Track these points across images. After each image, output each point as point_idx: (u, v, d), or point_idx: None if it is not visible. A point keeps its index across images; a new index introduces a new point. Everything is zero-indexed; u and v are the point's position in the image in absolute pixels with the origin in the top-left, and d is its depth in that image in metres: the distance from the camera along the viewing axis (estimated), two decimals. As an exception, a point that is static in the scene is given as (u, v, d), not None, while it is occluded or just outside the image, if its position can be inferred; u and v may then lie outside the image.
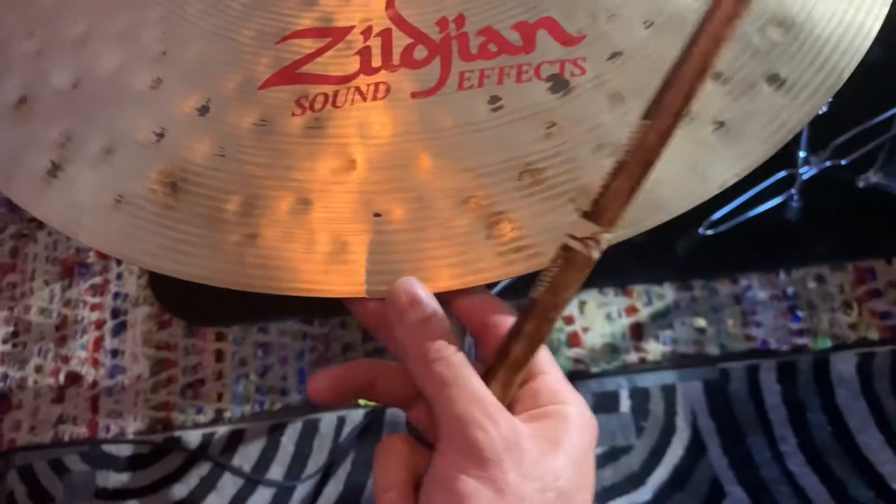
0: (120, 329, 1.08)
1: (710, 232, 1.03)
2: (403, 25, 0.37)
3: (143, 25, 0.39)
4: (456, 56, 0.36)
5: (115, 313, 1.09)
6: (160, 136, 0.36)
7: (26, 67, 0.38)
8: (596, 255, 0.29)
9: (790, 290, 1.03)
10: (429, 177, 0.34)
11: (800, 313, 1.01)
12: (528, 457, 0.29)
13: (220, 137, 0.35)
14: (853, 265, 1.04)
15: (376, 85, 0.36)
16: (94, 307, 1.09)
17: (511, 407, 0.31)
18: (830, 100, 0.99)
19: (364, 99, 0.36)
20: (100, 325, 1.08)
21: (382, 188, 0.34)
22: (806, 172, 1.03)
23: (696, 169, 0.34)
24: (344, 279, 0.33)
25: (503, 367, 0.31)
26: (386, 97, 0.36)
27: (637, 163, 0.29)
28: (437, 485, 0.29)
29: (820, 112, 0.99)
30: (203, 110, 0.36)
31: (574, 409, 0.31)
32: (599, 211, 0.29)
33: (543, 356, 0.32)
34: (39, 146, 0.36)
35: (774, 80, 0.35)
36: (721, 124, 0.34)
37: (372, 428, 0.99)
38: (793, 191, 1.04)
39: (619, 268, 1.05)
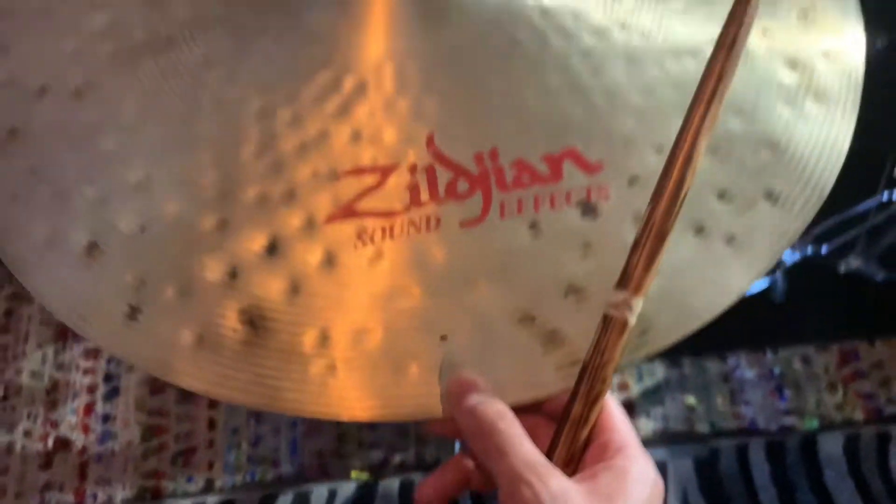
0: (112, 394, 1.07)
1: None
2: (444, 161, 0.41)
3: (200, 168, 0.42)
4: (495, 187, 0.41)
5: (108, 378, 1.08)
6: (233, 275, 0.39)
7: (92, 214, 0.41)
8: (631, 318, 0.35)
9: (777, 370, 1.08)
10: (486, 299, 0.38)
11: (787, 392, 1.06)
12: None
13: (291, 274, 0.39)
14: (837, 346, 1.09)
15: (427, 217, 0.40)
16: (86, 371, 1.09)
17: (580, 464, 0.35)
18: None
19: (418, 230, 0.40)
20: (92, 389, 1.08)
21: (445, 312, 0.38)
22: (789, 258, 1.10)
23: (717, 279, 0.39)
24: (421, 403, 0.36)
25: (566, 426, 0.35)
26: (438, 228, 0.40)
27: (650, 238, 0.35)
28: None
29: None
30: (271, 249, 0.39)
31: (635, 465, 0.33)
32: (627, 280, 0.35)
33: (614, 416, 0.36)
34: (115, 291, 0.39)
35: (770, 195, 0.41)
36: (732, 238, 0.40)
37: (363, 501, 1.00)
38: (777, 274, 1.11)
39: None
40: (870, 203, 1.03)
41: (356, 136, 0.42)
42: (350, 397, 0.36)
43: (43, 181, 0.42)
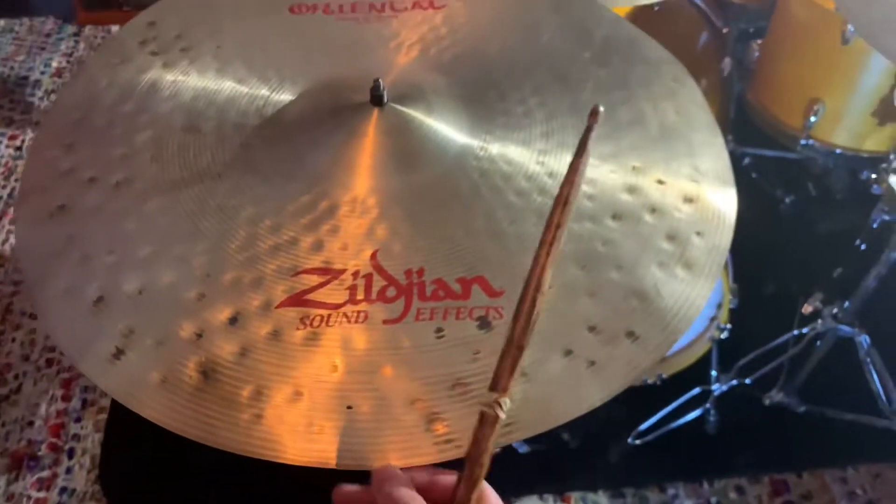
0: (62, 526, 1.09)
1: (638, 442, 1.16)
2: (382, 272, 0.53)
3: (194, 254, 0.54)
4: (416, 297, 0.52)
5: (59, 509, 1.12)
6: (199, 336, 0.50)
7: (105, 275, 0.53)
8: (501, 413, 0.43)
9: (713, 500, 1.14)
10: (389, 382, 0.48)
11: (724, 523, 1.10)
12: None
13: (243, 341, 0.50)
14: (769, 477, 1.16)
15: (359, 313, 0.51)
16: (37, 502, 1.12)
17: None
18: (730, 326, 1.18)
19: (349, 322, 0.51)
20: (41, 521, 1.09)
21: (355, 388, 0.48)
22: (717, 389, 1.19)
23: (575, 394, 0.49)
24: (321, 454, 0.46)
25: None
26: (365, 322, 0.51)
27: (511, 349, 0.44)
28: None
29: (722, 337, 1.18)
30: (233, 321, 0.51)
31: None
32: (496, 384, 0.44)
33: (486, 494, 0.44)
34: (109, 335, 0.50)
35: (631, 335, 0.51)
36: (593, 363, 0.50)
37: None
38: (707, 405, 1.20)
39: (558, 474, 1.17)
40: (786, 337, 1.14)
41: (318, 245, 0.54)
42: (270, 440, 0.46)
43: (76, 246, 0.55)
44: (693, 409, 1.19)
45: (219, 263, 0.54)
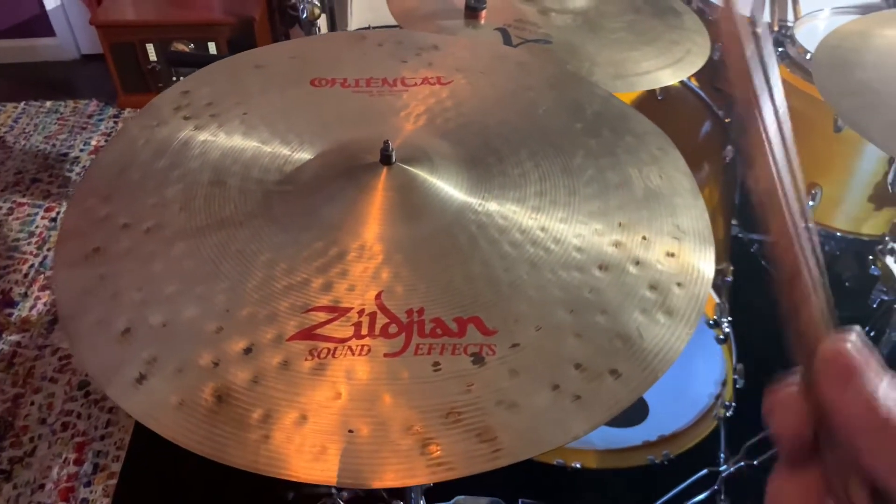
0: None
1: None
2: (385, 311, 0.58)
3: (215, 292, 0.59)
4: (415, 334, 0.56)
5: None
6: (216, 364, 0.54)
7: (133, 310, 0.58)
8: None
9: None
10: (388, 409, 0.52)
11: None
12: None
13: (256, 370, 0.54)
14: None
15: (362, 346, 0.56)
16: None
17: None
18: (735, 405, 1.18)
19: (353, 354, 0.55)
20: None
21: (357, 413, 0.52)
22: (725, 470, 1.20)
23: (560, 425, 0.52)
24: (323, 473, 0.49)
25: None
26: (367, 355, 0.55)
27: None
28: None
29: (728, 415, 1.18)
30: (248, 351, 0.55)
31: None
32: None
33: None
34: (133, 362, 0.55)
35: (614, 373, 0.55)
36: (578, 397, 0.54)
37: None
38: (716, 486, 1.20)
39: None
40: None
41: (327, 286, 0.59)
42: (277, 459, 0.50)
43: (107, 284, 0.60)
44: (701, 490, 1.19)
45: (237, 300, 0.59)
